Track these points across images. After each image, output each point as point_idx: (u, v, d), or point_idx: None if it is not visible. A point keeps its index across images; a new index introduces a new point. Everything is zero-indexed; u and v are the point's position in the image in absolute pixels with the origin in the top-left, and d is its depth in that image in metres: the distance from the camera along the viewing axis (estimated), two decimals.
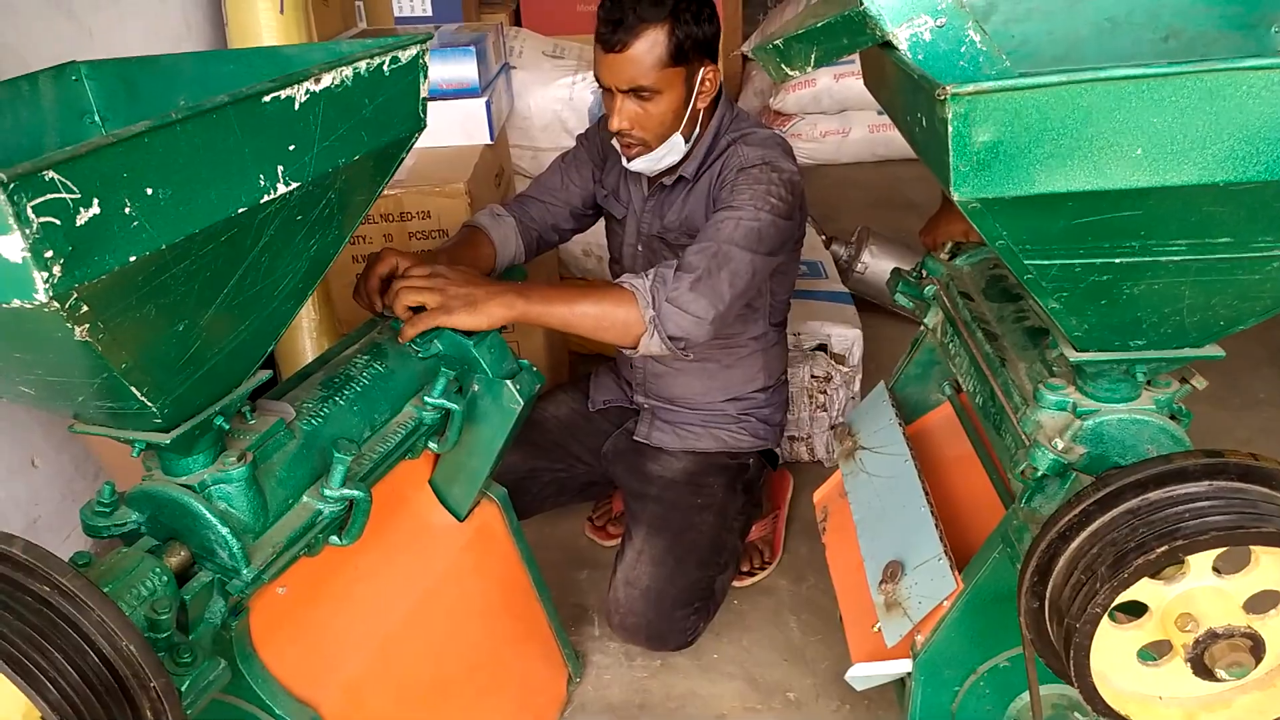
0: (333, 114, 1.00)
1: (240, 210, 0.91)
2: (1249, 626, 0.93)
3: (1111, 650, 1.02)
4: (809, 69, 1.10)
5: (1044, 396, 1.19)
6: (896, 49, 0.97)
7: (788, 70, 1.12)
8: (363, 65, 1.04)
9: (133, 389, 0.95)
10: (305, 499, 1.27)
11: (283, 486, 1.25)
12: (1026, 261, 0.93)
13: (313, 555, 1.32)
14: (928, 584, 1.34)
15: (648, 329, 1.53)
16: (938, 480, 1.62)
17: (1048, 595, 1.01)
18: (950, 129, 0.80)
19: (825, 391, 2.49)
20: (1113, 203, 0.84)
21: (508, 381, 1.52)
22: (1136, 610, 1.00)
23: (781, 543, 2.19)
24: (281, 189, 0.95)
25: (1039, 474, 1.15)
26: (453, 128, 2.30)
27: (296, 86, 0.95)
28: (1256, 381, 2.83)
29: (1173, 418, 1.27)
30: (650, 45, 1.56)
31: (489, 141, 2.33)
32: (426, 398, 1.47)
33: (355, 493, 1.27)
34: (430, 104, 2.26)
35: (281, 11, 2.24)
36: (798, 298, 2.74)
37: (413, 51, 1.11)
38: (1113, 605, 0.93)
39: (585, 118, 2.83)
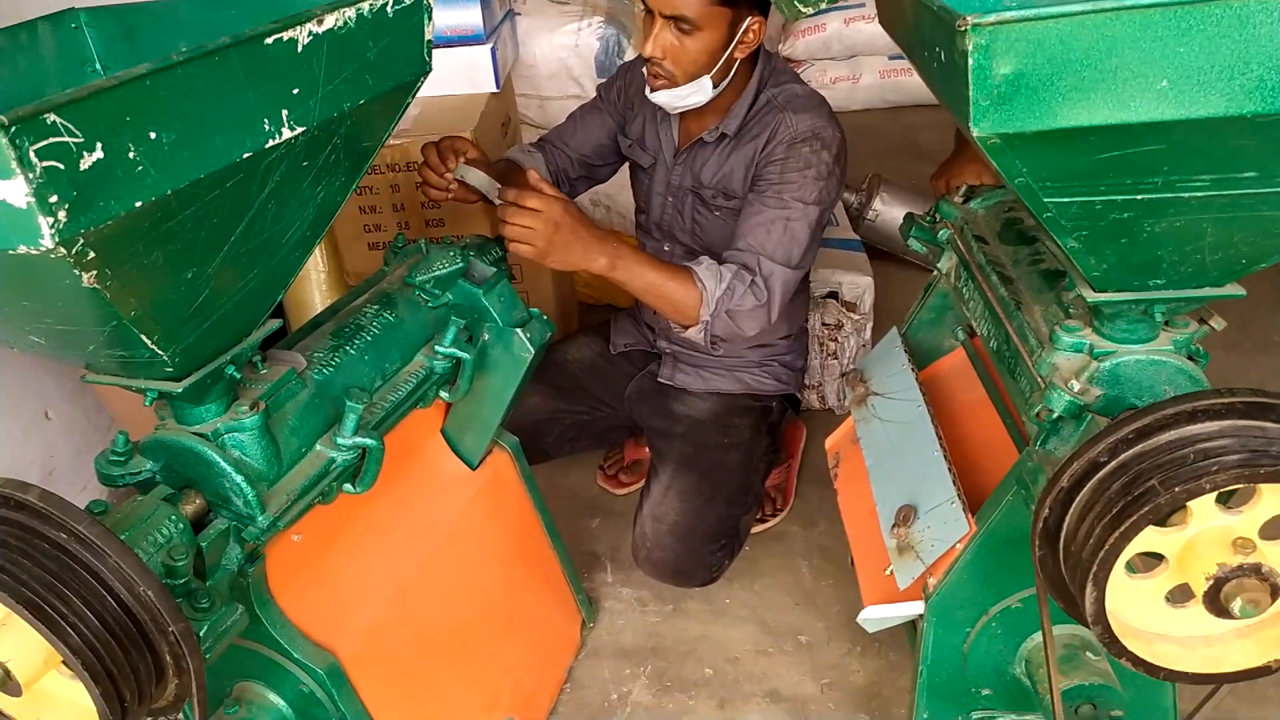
0: (336, 56, 0.98)
1: (246, 155, 0.89)
2: (1267, 566, 0.93)
3: (1130, 598, 1.02)
4: (823, 5, 1.07)
5: (1060, 338, 1.18)
6: None
7: (801, 7, 1.09)
8: (366, 6, 1.01)
9: (143, 337, 0.95)
10: (319, 447, 1.28)
11: (295, 435, 1.25)
12: (1046, 199, 0.91)
13: (327, 503, 1.32)
14: (940, 527, 1.35)
15: (700, 324, 1.61)
16: (951, 425, 1.61)
17: (1061, 540, 1.01)
18: (971, 61, 0.78)
19: (836, 339, 2.48)
20: (1137, 137, 0.82)
21: (518, 330, 1.51)
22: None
23: (794, 490, 2.21)
24: (287, 134, 0.94)
25: (1054, 416, 1.14)
26: (458, 75, 2.26)
27: (299, 28, 0.93)
28: (1270, 324, 2.81)
29: (1191, 358, 1.26)
30: None
31: (495, 89, 2.30)
32: (437, 346, 1.46)
33: (368, 441, 1.28)
34: (435, 51, 2.25)
35: None
36: None
37: None
38: (1122, 556, 0.92)
39: (591, 66, 2.79)
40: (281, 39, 0.91)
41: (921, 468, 1.45)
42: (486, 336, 1.53)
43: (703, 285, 1.58)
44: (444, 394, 1.53)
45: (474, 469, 1.66)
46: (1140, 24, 0.75)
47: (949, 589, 1.33)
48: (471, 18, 2.20)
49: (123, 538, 1.06)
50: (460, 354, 1.47)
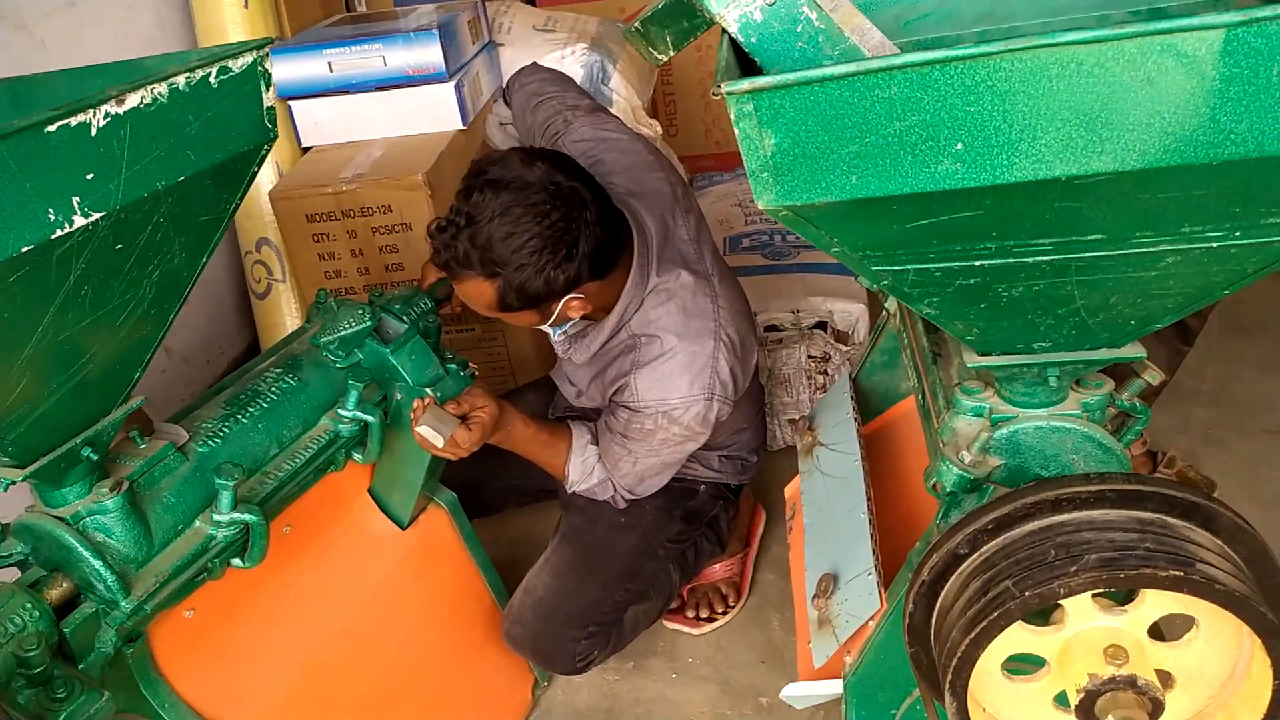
0: (144, 135, 0.94)
1: (25, 249, 0.86)
2: (1142, 679, 0.81)
3: (1014, 703, 0.91)
4: (671, 52, 0.99)
5: (960, 401, 1.07)
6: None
7: (655, 53, 1.02)
8: (181, 80, 0.97)
9: None
10: (198, 524, 1.25)
11: (170, 513, 1.22)
12: (875, 268, 0.82)
13: (214, 578, 1.29)
14: (856, 601, 1.24)
15: (584, 484, 1.63)
16: (900, 479, 1.50)
17: (931, 638, 0.91)
18: (737, 131, 0.70)
19: (826, 372, 2.36)
20: (945, 204, 0.72)
21: (428, 389, 1.46)
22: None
23: (749, 582, 1.99)
24: (80, 221, 0.90)
25: (947, 490, 1.03)
26: (422, 115, 2.23)
27: (91, 111, 0.90)
28: None
29: (1124, 416, 1.14)
30: (477, 291, 1.35)
31: (462, 127, 2.26)
32: (340, 410, 1.42)
33: (247, 516, 1.24)
34: (395, 92, 2.22)
35: (246, 6, 2.21)
36: (798, 272, 2.61)
37: (247, 59, 1.04)
38: (980, 662, 0.82)
39: None
40: (68, 125, 0.88)
41: (849, 532, 1.35)
42: (399, 396, 1.48)
43: (567, 474, 1.62)
44: (357, 456, 1.49)
45: (404, 528, 1.62)
46: (918, 83, 0.66)
47: (866, 669, 1.23)
48: (432, 56, 2.17)
49: None
50: (364, 417, 1.42)
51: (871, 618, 1.20)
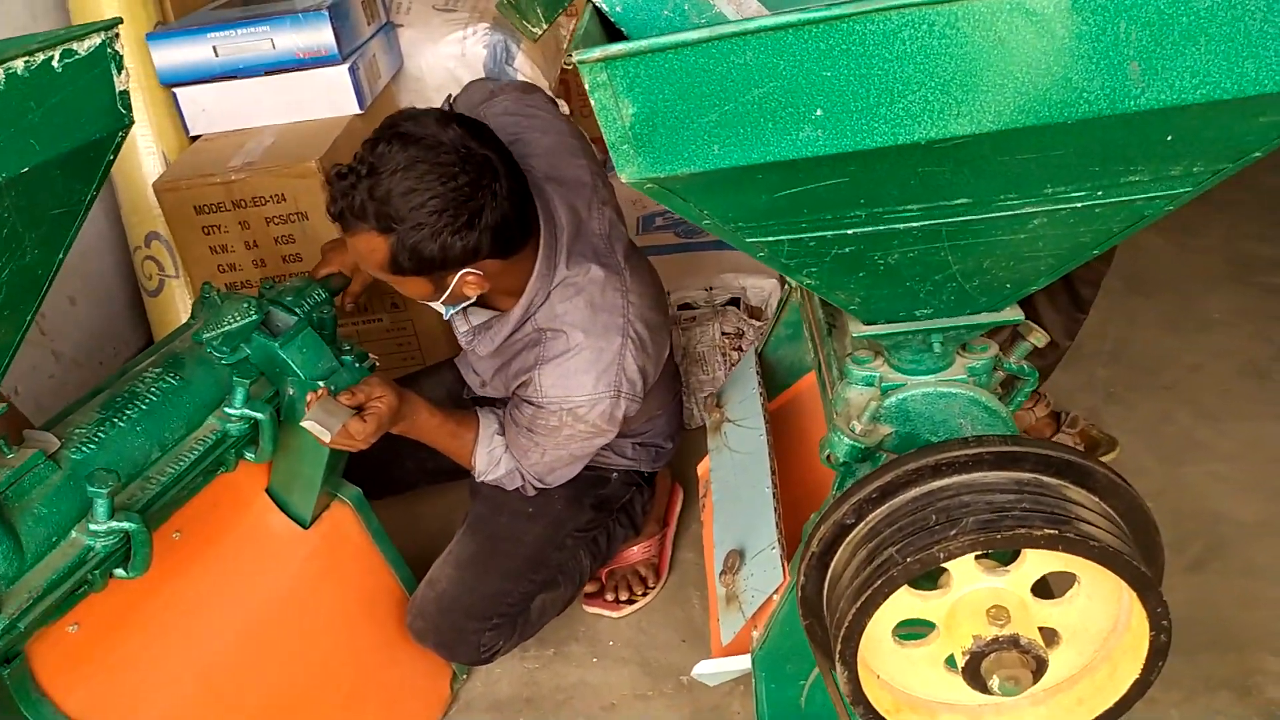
0: None
1: None
2: (1025, 638, 0.82)
3: (908, 668, 0.91)
4: (544, 24, 0.96)
5: (851, 371, 1.07)
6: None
7: (530, 25, 0.99)
8: (19, 65, 0.91)
9: None
10: (74, 534, 1.18)
11: (43, 524, 1.16)
12: (748, 240, 0.81)
13: (97, 591, 1.23)
14: (761, 575, 1.24)
15: (491, 474, 1.59)
16: (806, 452, 1.51)
17: (824, 609, 0.91)
18: (593, 101, 0.67)
19: (740, 348, 2.36)
20: (810, 172, 0.71)
21: (320, 383, 1.41)
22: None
23: (668, 564, 1.98)
24: None
25: (841, 461, 1.03)
26: (316, 100, 2.15)
27: None
28: (1212, 301, 2.66)
29: (1013, 379, 1.16)
30: (369, 247, 1.28)
31: (359, 111, 2.19)
32: (227, 408, 1.36)
33: (127, 525, 1.18)
34: (286, 75, 2.14)
35: None
36: (710, 249, 2.61)
37: (94, 41, 0.98)
38: (867, 631, 0.81)
39: (481, 74, 2.68)
40: None
41: (754, 507, 1.35)
42: (291, 391, 1.43)
43: (474, 463, 1.58)
44: (249, 455, 1.44)
45: (307, 527, 1.57)
46: (774, 48, 0.64)
47: (773, 642, 1.23)
48: (323, 38, 2.09)
49: None
50: (254, 414, 1.37)
51: (776, 591, 1.20)
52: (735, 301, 2.43)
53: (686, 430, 2.26)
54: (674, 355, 1.95)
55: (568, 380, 1.41)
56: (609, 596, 1.92)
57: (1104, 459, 2.03)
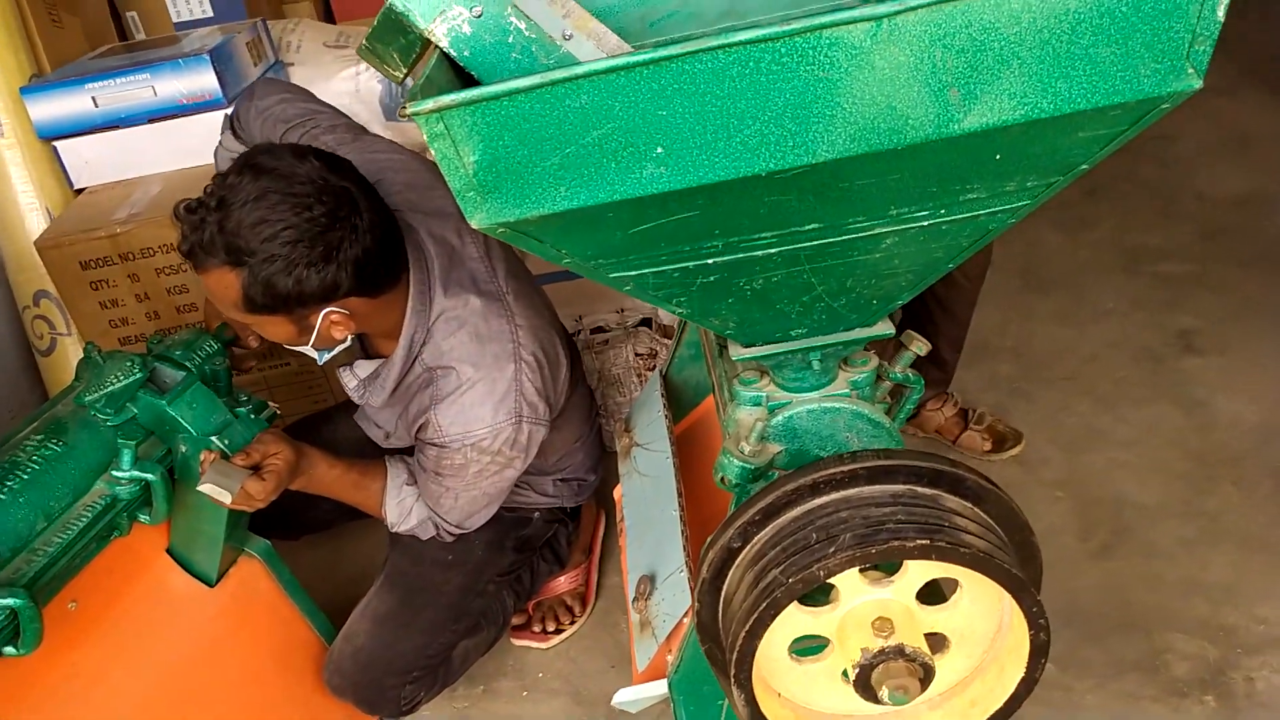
0: None
1: None
2: (910, 647, 0.83)
3: (807, 684, 0.93)
4: (403, 69, 0.96)
5: (739, 393, 1.08)
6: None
7: (391, 70, 0.98)
8: None
9: None
10: None
11: None
12: (612, 275, 0.81)
13: None
14: (671, 599, 1.25)
15: (404, 525, 1.56)
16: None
17: (720, 632, 0.91)
18: (434, 151, 0.67)
19: (654, 368, 2.37)
20: (659, 207, 0.72)
21: (214, 438, 1.38)
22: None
23: (594, 592, 1.97)
24: None
25: (734, 483, 1.04)
26: (203, 145, 2.09)
27: None
28: (1106, 291, 2.76)
29: (900, 388, 1.18)
30: (222, 284, 1.21)
31: None
32: (114, 471, 1.32)
33: (10, 601, 1.14)
34: (171, 122, 2.10)
35: None
36: None
37: None
38: (759, 652, 0.82)
39: (378, 109, 2.65)
40: None
41: (663, 532, 1.35)
42: (184, 448, 1.40)
43: (384, 515, 1.55)
44: (144, 517, 1.40)
45: (213, 585, 1.53)
46: (608, 90, 0.65)
47: (687, 665, 1.23)
48: (206, 82, 2.05)
49: None
50: (144, 476, 1.33)
51: (685, 615, 1.20)
52: (647, 322, 2.44)
53: (608, 453, 2.25)
54: (587, 382, 1.93)
55: (465, 415, 1.37)
56: (536, 628, 1.90)
57: (1010, 453, 2.09)
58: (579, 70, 0.64)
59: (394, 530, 1.57)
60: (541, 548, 1.80)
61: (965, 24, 0.63)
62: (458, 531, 1.56)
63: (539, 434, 1.44)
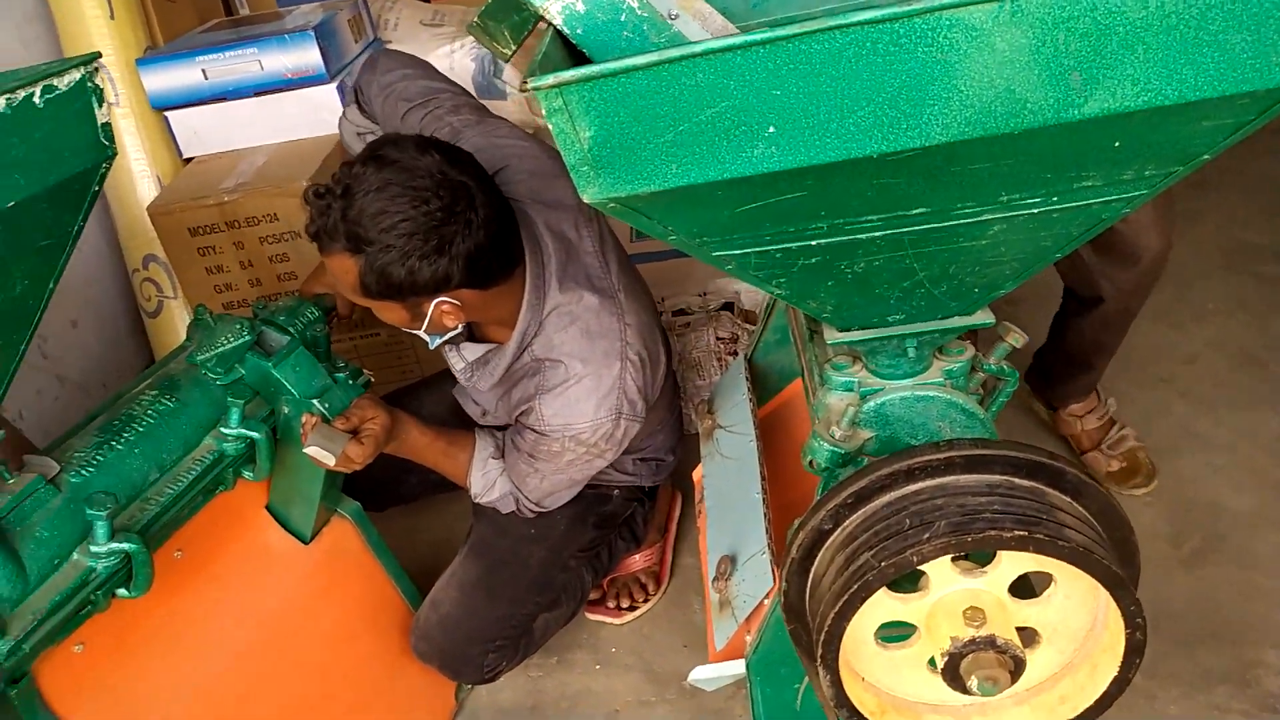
0: None
1: None
2: (1002, 639, 0.83)
3: (893, 670, 0.93)
4: (513, 45, 0.98)
5: (830, 377, 1.08)
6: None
7: (499, 47, 1.00)
8: (0, 102, 0.93)
9: None
10: (76, 556, 1.21)
11: (44, 547, 1.18)
12: (714, 254, 0.82)
13: (101, 611, 1.25)
14: (753, 580, 1.25)
15: (486, 497, 1.60)
16: (797, 458, 1.51)
17: (807, 613, 0.92)
18: (551, 126, 0.69)
19: (735, 353, 2.38)
20: (768, 187, 0.72)
21: (315, 401, 1.43)
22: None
23: (668, 571, 2.00)
24: None
25: (822, 466, 1.04)
26: (305, 119, 2.18)
27: None
28: (1208, 290, 2.66)
29: (994, 380, 1.17)
30: (342, 268, 1.27)
31: None
32: (223, 428, 1.39)
33: (125, 546, 1.20)
34: (275, 96, 2.17)
35: (112, 16, 2.13)
36: None
37: (74, 76, 1.00)
38: (847, 634, 0.83)
39: (470, 86, 2.69)
40: None
41: (745, 513, 1.36)
42: (287, 410, 1.45)
43: (469, 485, 1.59)
44: (248, 474, 1.46)
45: (307, 543, 1.59)
46: (724, 69, 0.66)
47: (766, 646, 1.24)
48: (310, 58, 2.12)
49: None
50: (249, 434, 1.39)
51: (766, 596, 1.21)
52: (729, 306, 2.44)
53: (687, 435, 2.27)
54: (673, 367, 1.95)
55: (569, 408, 1.41)
56: (611, 604, 1.93)
57: (1135, 490, 1.95)
58: (696, 49, 0.65)
59: (477, 501, 1.62)
60: (620, 525, 1.83)
61: (1091, 6, 0.62)
62: (536, 509, 1.60)
63: (634, 429, 1.48)
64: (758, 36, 0.64)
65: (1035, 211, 0.77)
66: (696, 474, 1.76)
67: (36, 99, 0.97)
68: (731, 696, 1.76)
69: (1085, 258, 1.76)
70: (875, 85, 0.65)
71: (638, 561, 1.96)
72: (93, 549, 1.19)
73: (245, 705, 1.44)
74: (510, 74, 2.73)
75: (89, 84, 1.02)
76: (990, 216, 0.77)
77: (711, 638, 1.42)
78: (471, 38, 2.67)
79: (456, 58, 2.69)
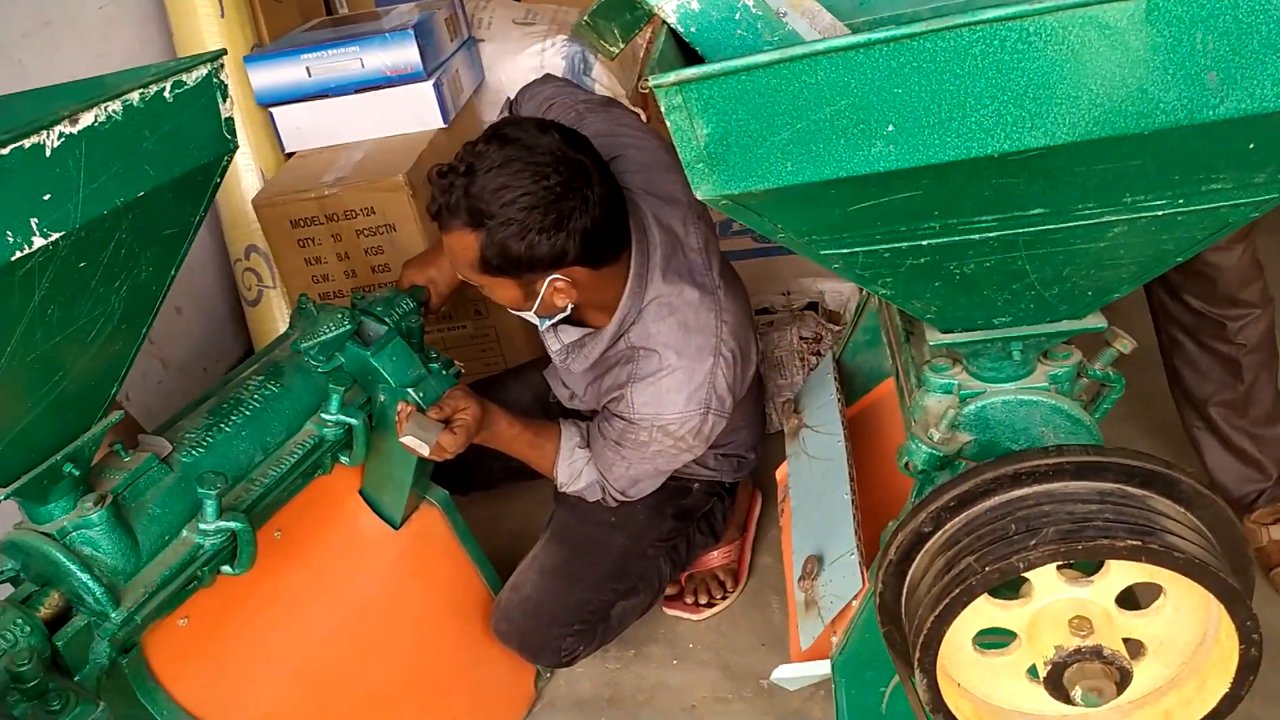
0: (100, 153, 0.95)
1: None
2: (1109, 649, 0.81)
3: (990, 677, 0.91)
4: (620, 44, 0.99)
5: (928, 379, 1.07)
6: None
7: (607, 45, 1.02)
8: (135, 96, 0.98)
9: None
10: (185, 533, 1.26)
11: (157, 523, 1.24)
12: (823, 252, 0.82)
13: (206, 587, 1.30)
14: (840, 581, 1.25)
15: (573, 486, 1.62)
16: (885, 458, 1.50)
17: (903, 616, 0.91)
18: (669, 123, 0.70)
19: (818, 353, 2.36)
20: (883, 186, 0.72)
21: (410, 390, 1.47)
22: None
23: (747, 569, 2.00)
24: (40, 241, 0.91)
25: (919, 469, 1.03)
26: (403, 115, 2.23)
27: (45, 132, 0.90)
28: None
29: (1100, 386, 1.14)
30: (462, 245, 1.30)
31: (443, 125, 2.26)
32: (323, 414, 1.43)
33: (232, 524, 1.25)
34: (375, 93, 2.22)
35: (222, 15, 2.21)
36: (788, 253, 2.60)
37: (201, 72, 1.04)
38: (946, 640, 0.82)
39: None
40: (22, 147, 0.89)
41: (832, 514, 1.36)
42: (383, 398, 1.49)
43: (555, 475, 1.61)
44: (344, 459, 1.50)
45: (397, 528, 1.63)
46: (845, 68, 0.66)
47: (853, 648, 1.23)
48: (409, 55, 2.17)
49: None
50: (348, 420, 1.43)
51: (855, 597, 1.20)
52: (813, 306, 2.43)
53: (766, 435, 2.26)
54: (757, 368, 1.96)
55: (660, 399, 1.43)
56: (689, 599, 1.94)
57: None
58: (818, 47, 0.65)
59: (563, 490, 1.64)
60: (699, 519, 1.84)
61: (1234, 4, 0.60)
62: (622, 498, 1.62)
63: (720, 425, 1.48)
64: (883, 34, 0.64)
65: (1159, 214, 0.75)
66: (780, 473, 1.76)
67: (167, 94, 1.01)
68: (810, 698, 1.75)
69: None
70: (1001, 83, 0.65)
71: (716, 558, 1.97)
72: (201, 526, 1.24)
73: (334, 683, 1.49)
74: (600, 72, 2.75)
75: (215, 80, 1.06)
76: (1111, 218, 0.76)
77: (795, 637, 1.42)
78: (563, 36, 2.71)
79: (547, 55, 2.72)
